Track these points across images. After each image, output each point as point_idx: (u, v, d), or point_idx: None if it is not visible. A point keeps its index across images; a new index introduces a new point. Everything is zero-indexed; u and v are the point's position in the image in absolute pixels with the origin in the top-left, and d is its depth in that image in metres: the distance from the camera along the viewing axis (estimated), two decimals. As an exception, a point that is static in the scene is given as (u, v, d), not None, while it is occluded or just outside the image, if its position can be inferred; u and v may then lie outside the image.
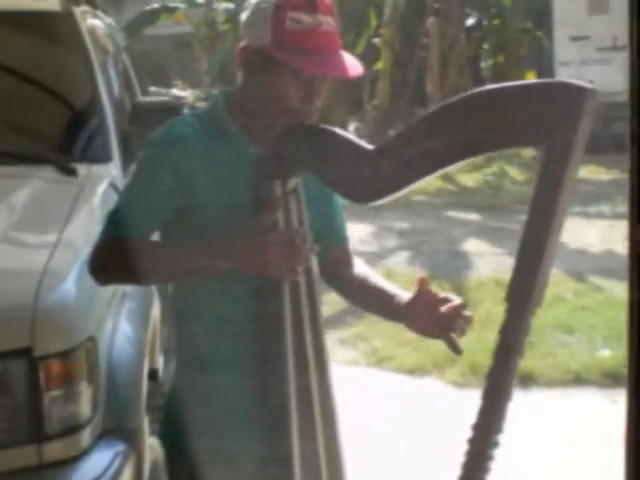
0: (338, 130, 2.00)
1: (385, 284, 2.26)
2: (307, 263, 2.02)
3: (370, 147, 1.96)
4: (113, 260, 2.05)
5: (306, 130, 2.04)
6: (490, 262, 7.88)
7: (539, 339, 5.57)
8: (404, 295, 2.18)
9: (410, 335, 6.25)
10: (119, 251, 2.03)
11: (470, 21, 17.30)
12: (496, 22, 16.40)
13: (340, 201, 2.31)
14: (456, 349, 2.12)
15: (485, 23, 17.31)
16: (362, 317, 6.34)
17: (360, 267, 2.32)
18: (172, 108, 3.62)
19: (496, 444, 1.81)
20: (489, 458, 1.79)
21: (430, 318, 2.10)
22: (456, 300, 2.12)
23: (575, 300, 6.54)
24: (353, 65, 2.05)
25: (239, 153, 2.09)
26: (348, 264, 2.31)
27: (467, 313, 2.12)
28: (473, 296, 6.65)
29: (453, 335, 2.11)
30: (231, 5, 17.85)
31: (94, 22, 4.14)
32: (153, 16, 17.44)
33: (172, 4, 17.69)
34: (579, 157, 1.72)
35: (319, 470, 2.05)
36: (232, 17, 17.09)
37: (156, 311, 3.31)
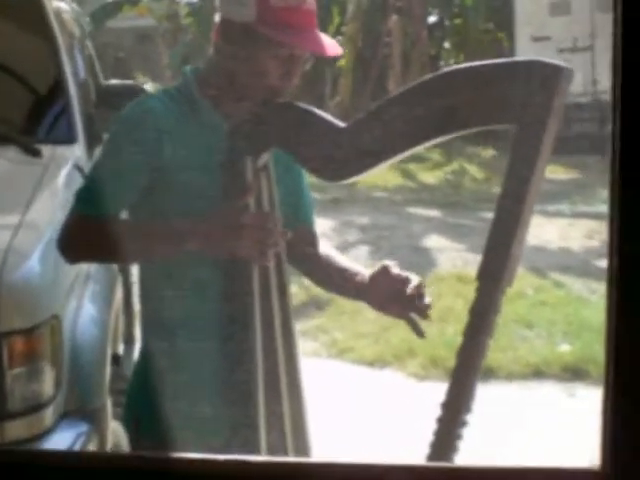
0: (311, 108, 2.00)
1: (348, 263, 2.25)
2: (277, 247, 2.01)
3: (342, 125, 1.95)
4: (82, 238, 2.04)
5: (279, 107, 2.03)
6: (451, 257, 7.91)
7: (499, 333, 5.58)
8: (367, 273, 2.17)
9: (370, 327, 6.26)
10: (88, 229, 2.02)
11: (432, 19, 17.36)
12: (458, 22, 16.47)
13: (307, 181, 2.30)
14: (418, 331, 2.10)
15: (447, 22, 17.38)
16: (323, 309, 6.35)
17: (325, 248, 2.31)
18: (137, 91, 3.60)
19: (465, 423, 1.81)
20: (458, 437, 1.79)
21: (391, 296, 2.08)
22: (416, 279, 2.10)
23: (535, 296, 6.58)
24: (332, 44, 2.07)
25: (210, 129, 2.08)
26: (313, 244, 2.29)
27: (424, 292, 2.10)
28: (434, 290, 6.66)
29: (414, 316, 2.10)
30: (194, -1, 17.78)
31: (60, 4, 4.10)
32: (116, 8, 17.32)
33: (135, -4, 17.60)
34: (553, 135, 1.72)
35: (284, 433, 2.05)
36: (195, 11, 17.03)
37: (119, 295, 3.28)
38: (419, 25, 15.34)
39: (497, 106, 1.75)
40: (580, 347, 5.39)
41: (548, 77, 1.70)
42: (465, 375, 1.80)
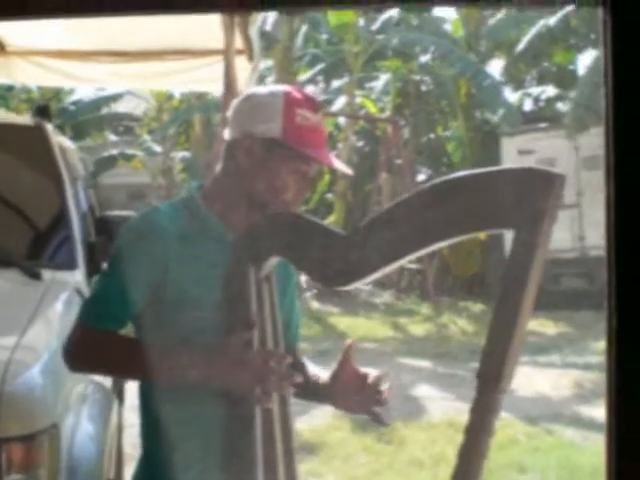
0: (312, 218, 2.07)
1: (312, 367, 2.28)
2: (283, 391, 2.01)
3: (344, 233, 2.02)
4: (85, 349, 2.08)
5: (281, 217, 2.10)
6: (441, 406, 7.88)
7: (493, 478, 5.55)
8: (326, 374, 2.20)
9: (362, 471, 6.17)
10: (91, 341, 2.07)
11: (421, 177, 17.73)
12: (447, 179, 16.82)
13: (298, 303, 2.36)
14: (381, 422, 2.14)
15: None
16: (314, 454, 6.29)
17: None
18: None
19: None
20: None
21: (353, 394, 2.13)
22: (374, 373, 2.14)
23: (527, 442, 6.56)
24: (344, 165, 2.25)
25: (216, 241, 2.13)
26: (294, 363, 2.31)
27: (386, 384, 2.13)
28: (426, 437, 6.64)
29: (377, 409, 2.12)
30: (188, 154, 18.19)
31: (66, 143, 4.25)
32: (110, 162, 17.69)
33: (130, 151, 18.00)
34: (549, 238, 1.79)
35: None
36: (189, 166, 17.39)
37: (114, 419, 3.28)
38: (409, 182, 15.67)
39: (494, 211, 1.81)
40: (574, 491, 5.35)
41: (542, 183, 1.77)
42: (465, 476, 1.81)
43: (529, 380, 8.48)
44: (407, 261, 1.98)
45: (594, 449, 6.33)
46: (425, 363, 10.21)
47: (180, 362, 2.02)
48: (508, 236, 1.80)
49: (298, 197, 2.16)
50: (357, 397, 2.12)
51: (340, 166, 2.22)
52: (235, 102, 2.19)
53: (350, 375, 2.14)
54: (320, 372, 2.25)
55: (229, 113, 2.19)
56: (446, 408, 7.72)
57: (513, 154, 14.75)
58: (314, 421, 6.73)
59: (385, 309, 14.60)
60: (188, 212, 2.16)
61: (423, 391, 8.63)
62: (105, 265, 2.27)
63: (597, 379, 8.94)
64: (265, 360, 1.98)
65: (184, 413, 2.09)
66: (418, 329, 12.65)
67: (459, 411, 7.46)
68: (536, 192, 1.77)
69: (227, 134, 2.18)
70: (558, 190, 1.79)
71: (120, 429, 4.61)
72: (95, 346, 2.06)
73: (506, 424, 6.71)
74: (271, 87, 2.20)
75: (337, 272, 1.99)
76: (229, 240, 2.11)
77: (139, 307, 2.09)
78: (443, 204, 1.86)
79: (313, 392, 2.22)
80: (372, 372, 2.15)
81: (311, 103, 2.14)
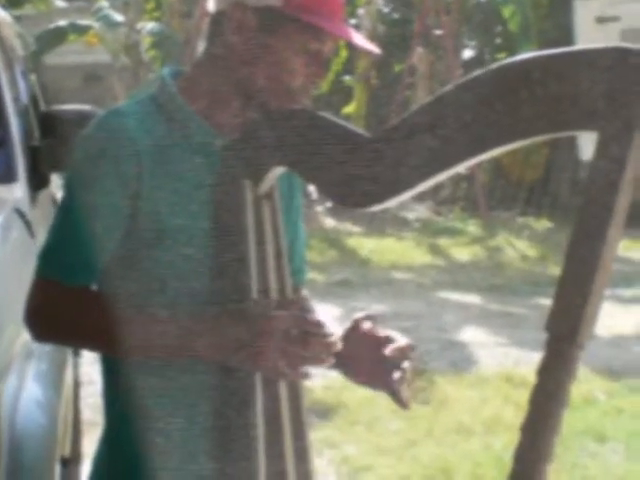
0: (328, 115, 2.04)
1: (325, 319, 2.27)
2: (324, 363, 2.00)
3: (369, 135, 1.99)
4: (55, 313, 2.08)
5: (286, 115, 2.07)
6: (494, 354, 7.92)
7: (564, 449, 5.59)
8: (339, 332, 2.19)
9: (392, 440, 6.23)
10: (62, 301, 2.06)
11: (468, 54, 17.61)
12: (503, 55, 16.67)
13: (303, 226, 2.33)
14: (401, 402, 2.14)
15: (488, 56, 17.63)
16: (328, 418, 6.33)
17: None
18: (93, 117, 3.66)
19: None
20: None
21: (368, 363, 2.13)
22: (401, 339, 2.14)
23: (608, 402, 6.59)
24: (366, 41, 2.20)
25: (200, 151, 2.12)
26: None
27: (412, 357, 2.13)
28: (476, 395, 6.68)
29: (397, 386, 2.12)
30: (159, 24, 18.06)
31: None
32: (58, 37, 17.55)
33: (83, 22, 17.84)
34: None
35: None
36: (161, 40, 17.28)
37: (69, 379, 3.30)
38: (451, 60, 15.56)
39: (573, 108, 1.78)
40: (669, 465, 5.39)
41: (636, 67, 1.73)
42: (533, 457, 1.81)
43: (610, 320, 8.49)
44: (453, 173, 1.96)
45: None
46: (473, 298, 10.24)
47: (179, 331, 2.03)
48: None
49: (308, 86, 2.14)
50: (374, 367, 2.13)
51: (363, 43, 2.19)
52: None
53: (365, 339, 2.14)
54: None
55: None
56: (501, 357, 7.77)
57: (590, 22, 14.60)
58: (328, 375, 6.80)
59: (420, 227, 14.61)
60: (161, 111, 2.14)
61: (471, 335, 8.68)
62: (61, 190, 2.24)
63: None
64: (294, 324, 1.97)
65: (163, 383, 2.09)
66: (464, 253, 12.67)
67: (518, 361, 7.49)
68: (631, 82, 1.74)
69: (211, 4, 2.16)
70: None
71: (77, 389, 4.65)
72: (67, 306, 2.06)
73: (580, 378, 6.71)
74: None
75: (361, 189, 1.97)
76: (216, 144, 2.10)
77: (112, 247, 2.08)
78: (505, 97, 1.83)
79: None
80: (398, 337, 2.14)
81: None
